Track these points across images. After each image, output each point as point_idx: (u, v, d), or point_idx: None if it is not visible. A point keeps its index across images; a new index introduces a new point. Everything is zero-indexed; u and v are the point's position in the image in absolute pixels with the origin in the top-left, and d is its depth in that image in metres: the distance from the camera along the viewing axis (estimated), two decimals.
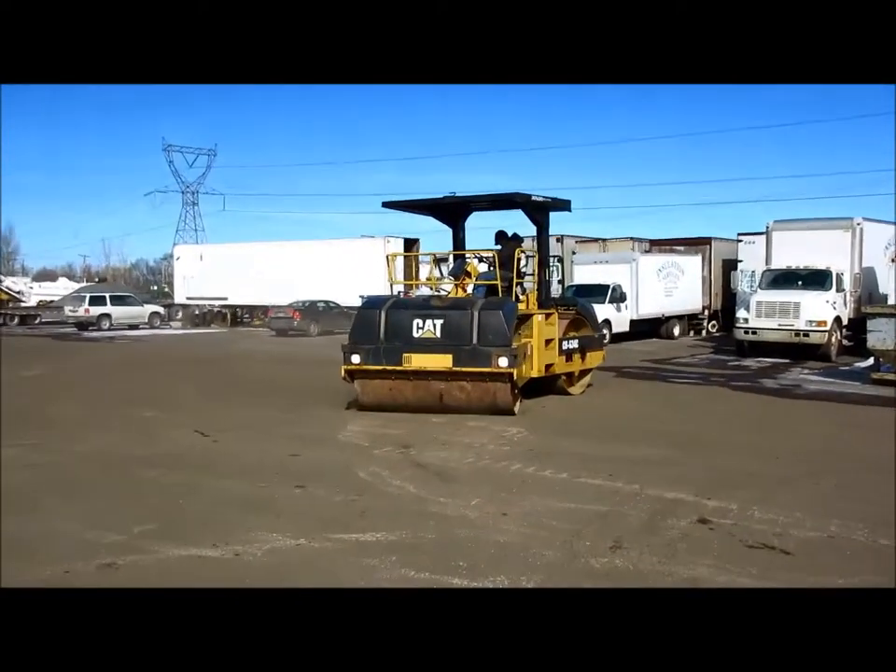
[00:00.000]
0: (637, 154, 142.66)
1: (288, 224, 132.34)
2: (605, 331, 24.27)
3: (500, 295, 11.51)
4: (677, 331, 27.74)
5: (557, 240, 30.14)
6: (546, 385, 12.47)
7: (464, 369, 10.62)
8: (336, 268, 34.92)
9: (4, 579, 4.88)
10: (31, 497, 6.75)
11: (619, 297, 25.07)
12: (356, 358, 11.04)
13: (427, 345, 10.81)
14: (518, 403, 11.10)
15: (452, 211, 13.32)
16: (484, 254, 12.68)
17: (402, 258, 31.72)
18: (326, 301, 32.96)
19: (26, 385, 14.69)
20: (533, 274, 12.76)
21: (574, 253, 29.28)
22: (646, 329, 26.58)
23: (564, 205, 12.85)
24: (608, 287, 25.03)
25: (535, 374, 11.81)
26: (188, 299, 41.32)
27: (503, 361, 10.47)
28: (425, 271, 25.94)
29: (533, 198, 12.09)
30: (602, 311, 24.22)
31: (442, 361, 10.70)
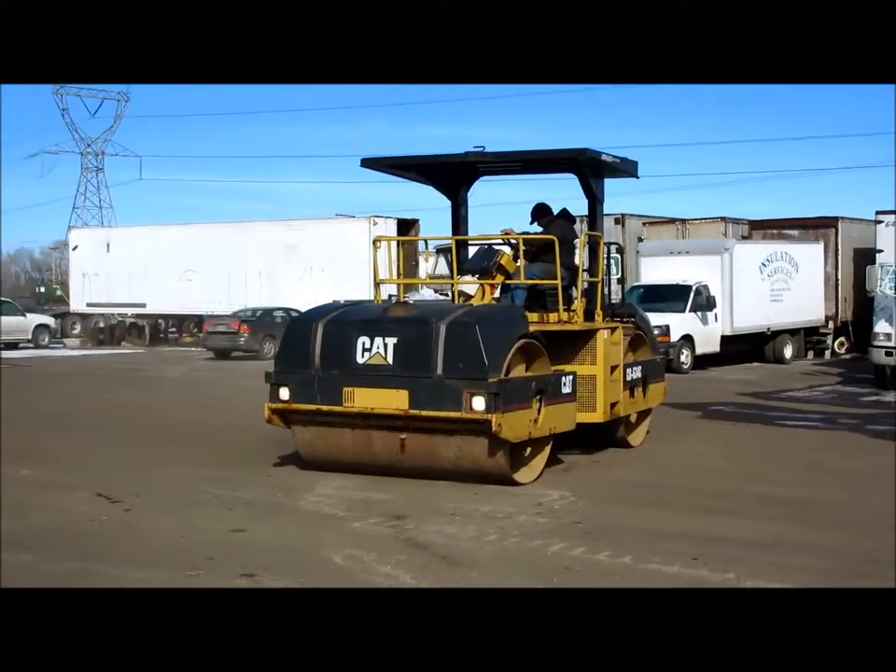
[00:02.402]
0: (724, 96, 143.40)
1: (233, 198, 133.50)
2: (685, 352, 24.50)
3: (560, 300, 11.25)
4: (788, 352, 27.77)
5: (616, 221, 30.24)
6: (594, 433, 12.19)
7: (423, 412, 10.06)
8: (301, 262, 35.08)
9: (4, 578, 6.59)
10: None
11: (705, 303, 25.16)
12: (284, 393, 10.81)
13: (374, 375, 10.38)
14: (531, 467, 10.67)
15: (452, 173, 13.07)
16: (534, 239, 12.07)
17: (397, 245, 31.67)
18: (286, 310, 33.05)
19: None
20: (594, 270, 12.42)
21: (640, 240, 29.28)
22: (744, 348, 26.70)
23: (630, 169, 12.77)
24: (688, 288, 25.14)
25: (599, 419, 11.65)
26: (89, 306, 41.55)
27: (478, 403, 9.80)
28: (432, 265, 25.86)
29: (603, 157, 11.86)
30: (681, 322, 24.29)
31: (395, 400, 10.17)
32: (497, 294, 12.20)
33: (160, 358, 31.89)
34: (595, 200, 12.47)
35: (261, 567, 7.26)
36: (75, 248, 43.10)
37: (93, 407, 17.93)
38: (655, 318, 23.99)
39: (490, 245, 12.55)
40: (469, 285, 12.35)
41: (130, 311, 40.32)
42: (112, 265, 40.36)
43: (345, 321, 10.92)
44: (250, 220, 38.86)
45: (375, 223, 33.93)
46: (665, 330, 23.99)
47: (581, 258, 11.84)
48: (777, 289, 27.33)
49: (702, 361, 25.06)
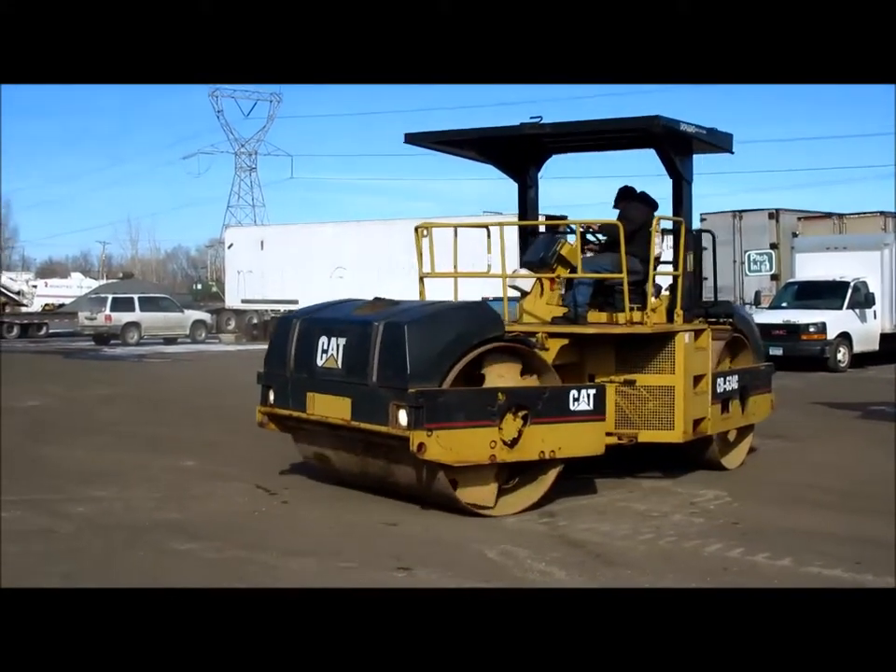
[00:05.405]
0: (881, 89, 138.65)
1: (385, 196, 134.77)
2: (842, 350, 23.93)
3: (626, 296, 9.87)
4: None
5: (770, 216, 29.63)
6: (682, 453, 10.67)
7: (362, 424, 8.96)
8: (451, 258, 35.18)
9: (4, 578, 6.57)
10: (23, 575, 6.97)
11: (863, 300, 24.71)
12: (271, 395, 10.05)
13: (328, 380, 9.34)
14: (520, 496, 9.21)
15: (515, 150, 11.52)
16: (592, 224, 10.91)
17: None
18: None
19: (20, 421, 15.23)
20: (677, 263, 10.51)
21: (795, 235, 28.70)
22: None
23: (721, 143, 11.06)
24: (846, 285, 24.70)
25: (677, 438, 10.00)
26: (243, 302, 42.58)
27: (402, 417, 8.48)
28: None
29: (682, 127, 10.03)
30: (838, 320, 23.99)
31: (341, 408, 9.12)
32: (562, 290, 10.70)
33: None
34: (679, 178, 10.61)
35: (416, 562, 7.35)
36: (230, 246, 44.20)
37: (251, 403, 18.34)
38: (811, 315, 23.80)
39: (555, 233, 11.17)
40: (526, 282, 10.96)
41: (282, 307, 41.11)
42: (266, 262, 41.23)
43: (315, 319, 9.87)
44: (399, 218, 39.20)
45: None
46: (822, 328, 23.65)
47: (683, 252, 10.40)
48: None
49: (860, 360, 24.52)
